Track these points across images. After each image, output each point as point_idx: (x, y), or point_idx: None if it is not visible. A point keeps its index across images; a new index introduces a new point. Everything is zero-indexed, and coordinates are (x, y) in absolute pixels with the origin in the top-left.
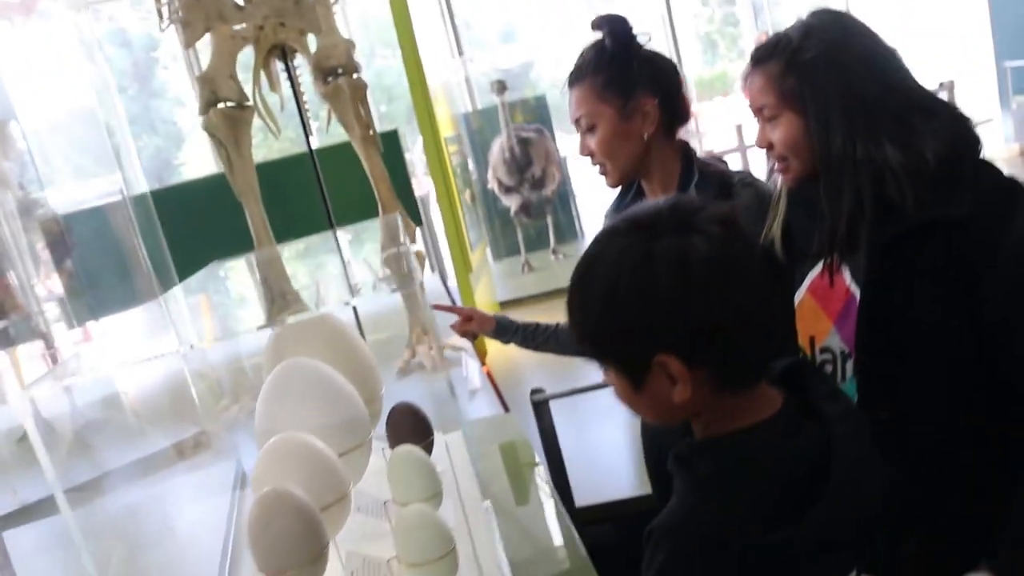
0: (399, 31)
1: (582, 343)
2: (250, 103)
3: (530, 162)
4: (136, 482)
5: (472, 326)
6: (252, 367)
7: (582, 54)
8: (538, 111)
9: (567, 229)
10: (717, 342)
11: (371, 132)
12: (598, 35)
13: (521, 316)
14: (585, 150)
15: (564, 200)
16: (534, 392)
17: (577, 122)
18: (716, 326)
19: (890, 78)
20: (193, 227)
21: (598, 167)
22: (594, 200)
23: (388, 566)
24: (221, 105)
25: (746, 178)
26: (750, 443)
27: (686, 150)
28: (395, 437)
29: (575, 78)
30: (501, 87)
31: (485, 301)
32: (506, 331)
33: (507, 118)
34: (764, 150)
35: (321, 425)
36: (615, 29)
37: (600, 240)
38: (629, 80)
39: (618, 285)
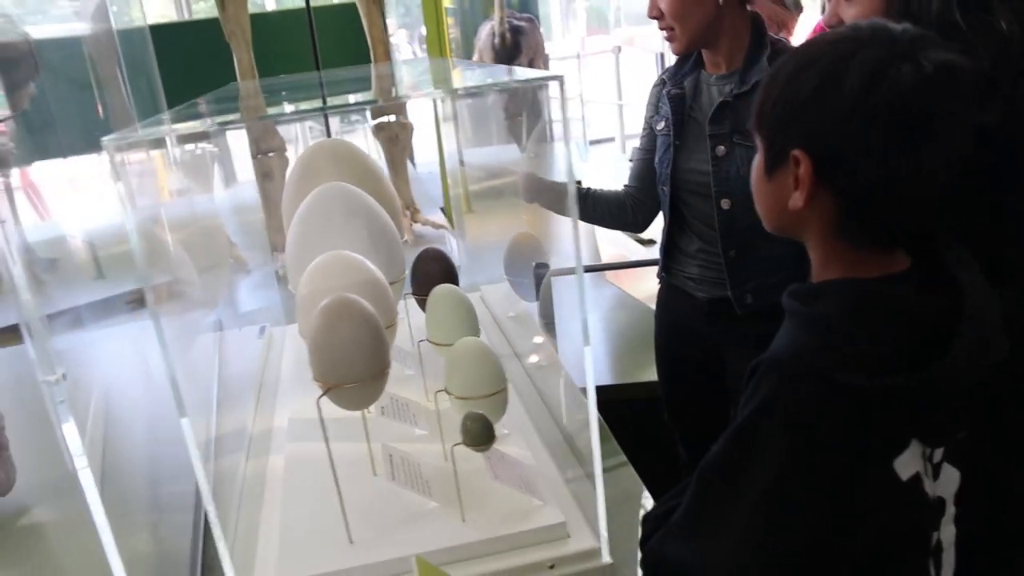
0: None
1: (753, 111)
2: None
3: (519, 51)
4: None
5: None
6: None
7: None
8: (527, 2)
9: None
10: (859, 173)
11: None
12: None
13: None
14: (654, 11)
15: None
16: (538, 266)
17: None
18: (868, 153)
19: None
20: (187, 68)
21: (665, 31)
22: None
23: (434, 398)
24: None
25: None
26: (877, 290)
27: (757, 20)
28: (423, 283)
29: None
30: None
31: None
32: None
33: (502, 2)
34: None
35: (365, 252)
36: None
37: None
38: None
39: (808, 67)
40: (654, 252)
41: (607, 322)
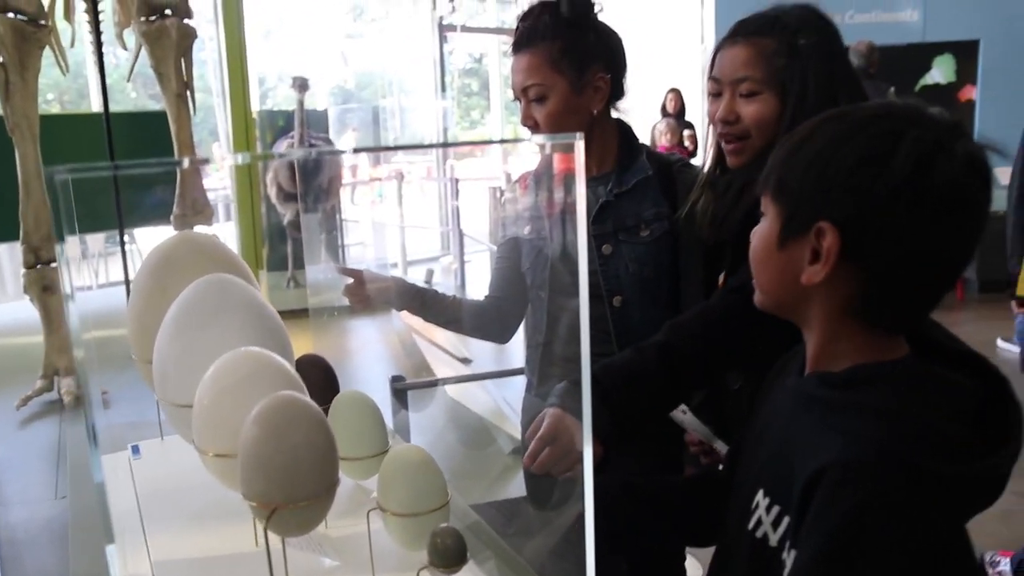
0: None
1: (769, 177)
2: (47, 24)
3: (320, 170)
4: None
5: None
6: None
7: (530, 16)
8: (321, 123)
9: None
10: (894, 255)
11: (188, 91)
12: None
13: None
14: (529, 120)
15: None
16: (395, 379)
17: (524, 91)
18: (909, 236)
19: (857, 75)
20: None
21: None
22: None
23: (367, 517)
24: (11, 15)
25: (683, 160)
26: (926, 371)
27: (623, 127)
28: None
29: (525, 42)
30: (303, 85)
31: None
32: (405, 295)
33: (303, 118)
34: (720, 124)
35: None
36: None
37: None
38: (586, 52)
39: (848, 139)
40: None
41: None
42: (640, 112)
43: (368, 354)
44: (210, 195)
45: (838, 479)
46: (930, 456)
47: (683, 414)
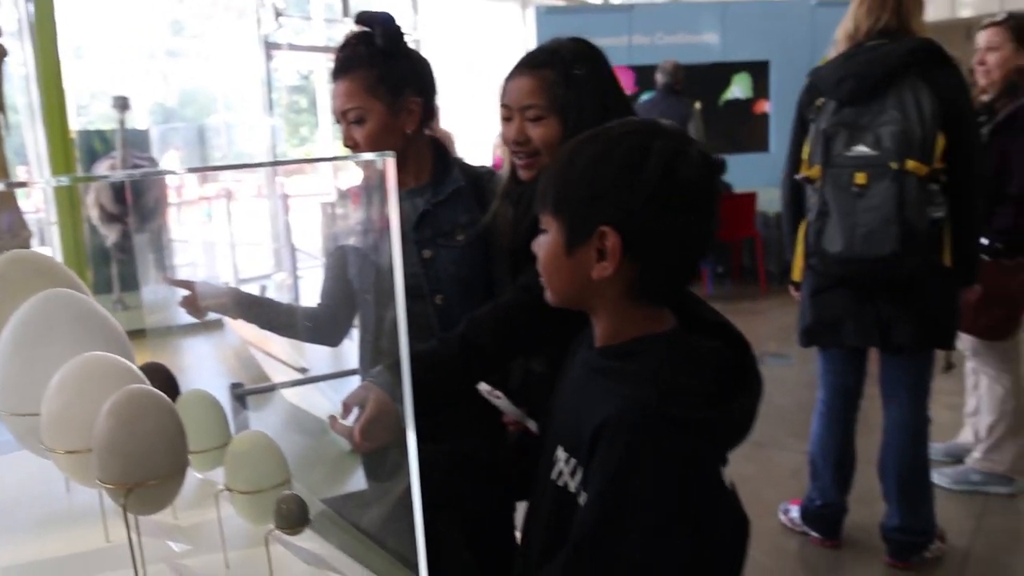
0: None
1: (545, 196)
2: None
3: (145, 190)
4: None
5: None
6: None
7: (348, 45)
8: (143, 143)
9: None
10: (661, 243)
11: (1, 112)
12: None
13: None
14: (350, 140)
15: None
16: (234, 386)
17: (344, 113)
18: (670, 227)
19: (625, 99)
20: None
21: None
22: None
23: (215, 499)
24: None
25: (490, 171)
26: (683, 340)
27: (436, 144)
28: None
29: (344, 69)
30: (123, 104)
31: None
32: (241, 303)
33: (125, 137)
34: (513, 144)
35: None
36: (387, 27)
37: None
38: (399, 78)
39: (606, 155)
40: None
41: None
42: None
43: (206, 369)
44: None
45: (612, 431)
46: (681, 406)
47: (498, 399)
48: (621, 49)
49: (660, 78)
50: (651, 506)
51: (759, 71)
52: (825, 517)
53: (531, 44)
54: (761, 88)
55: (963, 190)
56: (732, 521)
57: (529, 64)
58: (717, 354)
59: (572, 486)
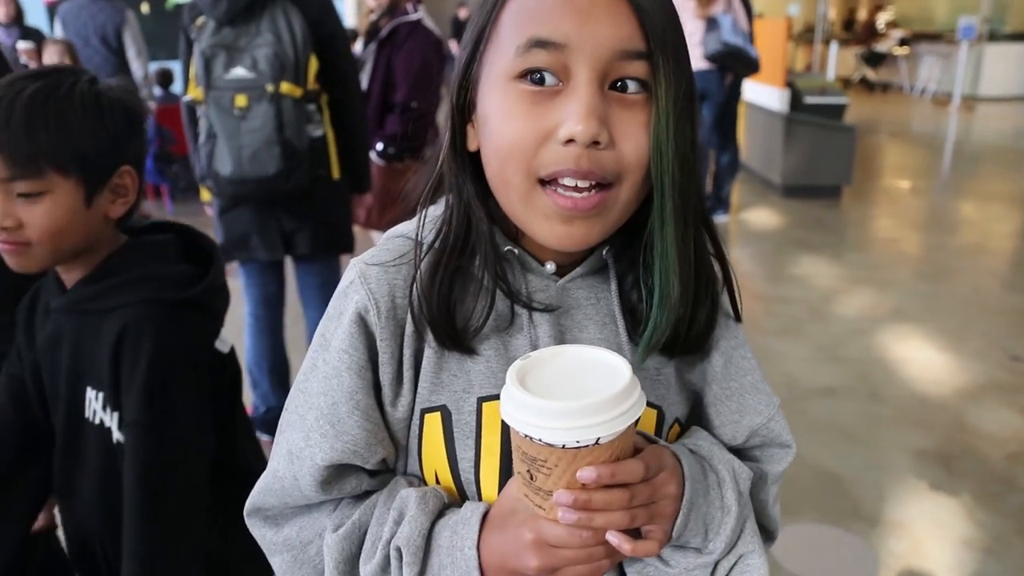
0: None
1: (33, 159)
2: None
3: None
4: None
5: None
6: None
7: None
8: None
9: None
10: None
11: None
12: None
13: None
14: None
15: None
16: None
17: None
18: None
19: None
20: None
21: None
22: None
23: None
24: None
25: None
26: (143, 243)
27: None
28: None
29: None
30: None
31: None
32: None
33: None
34: None
35: None
36: None
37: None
38: None
39: (100, 99)
40: None
41: None
42: None
43: None
44: None
45: (134, 333)
46: (175, 289)
47: None
48: None
49: None
50: (187, 381)
51: None
52: (272, 423)
53: None
54: None
55: (346, 108)
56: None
57: None
58: (174, 242)
59: (108, 420)
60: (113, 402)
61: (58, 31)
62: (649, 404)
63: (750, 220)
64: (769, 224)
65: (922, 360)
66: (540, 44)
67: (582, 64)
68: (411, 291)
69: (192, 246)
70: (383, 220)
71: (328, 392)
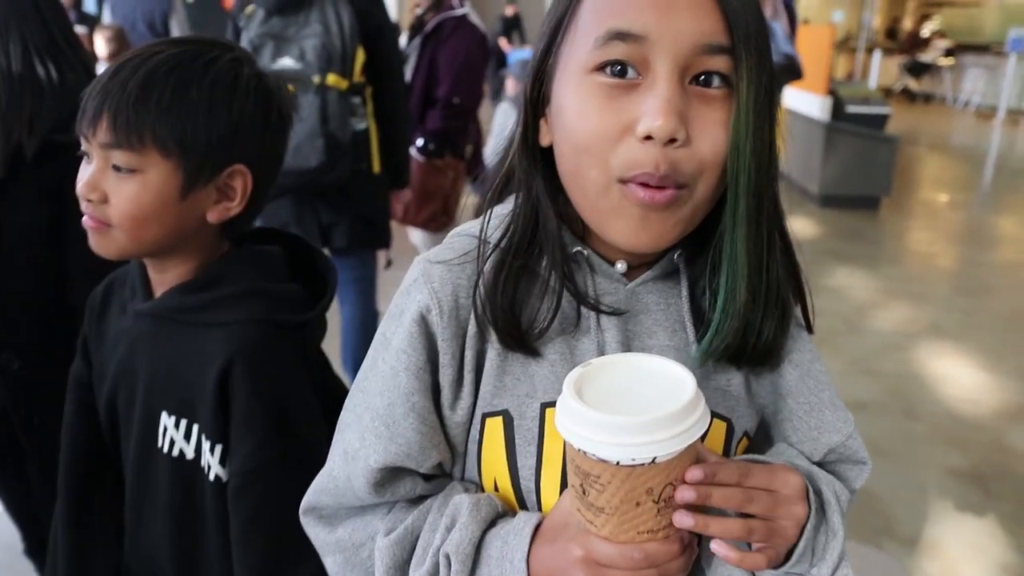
0: None
1: (137, 129)
2: None
3: None
4: None
5: None
6: None
7: None
8: None
9: None
10: (273, 174)
11: None
12: None
13: None
14: None
15: None
16: None
17: None
18: (280, 157)
19: None
20: None
21: None
22: None
23: None
24: None
25: None
26: (252, 251)
27: None
28: None
29: None
30: None
31: None
32: None
33: None
34: None
35: None
36: None
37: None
38: None
39: (237, 83)
40: None
41: None
42: None
43: None
44: None
45: (246, 361)
46: (287, 312)
47: None
48: None
49: None
50: (311, 408)
51: None
52: None
53: None
54: None
55: (389, 102)
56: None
57: None
58: (284, 256)
59: (189, 452)
60: (215, 434)
61: (107, 17)
62: (718, 416)
63: None
64: (805, 233)
65: (959, 377)
66: (619, 36)
67: (662, 57)
68: (475, 290)
69: (297, 260)
70: (420, 216)
71: (385, 392)
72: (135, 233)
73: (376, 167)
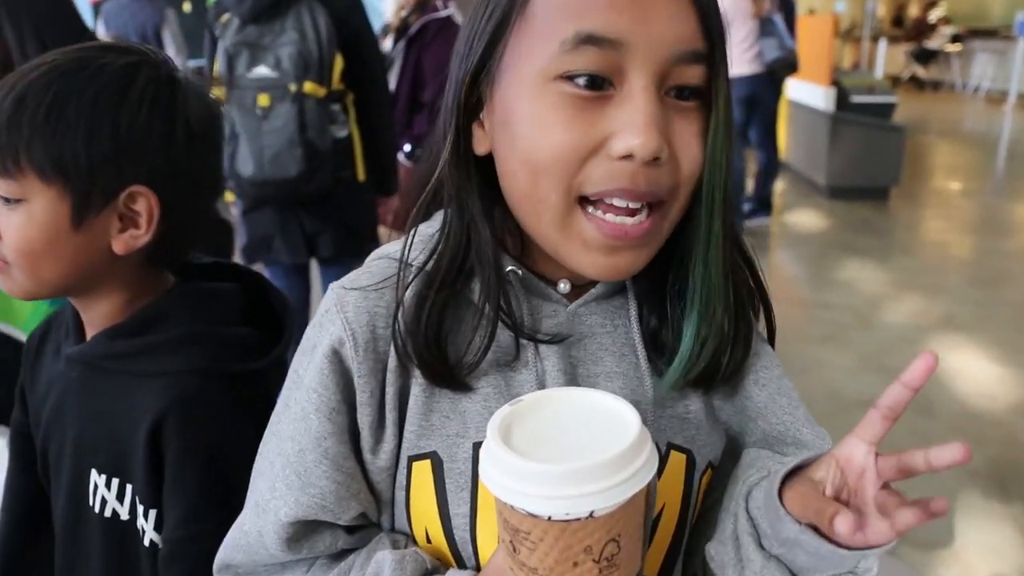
0: None
1: (17, 151)
2: None
3: None
4: None
5: None
6: None
7: None
8: None
9: None
10: (192, 196)
11: None
12: None
13: None
14: None
15: None
16: None
17: None
18: (199, 177)
19: None
20: None
21: None
22: None
23: None
24: None
25: None
26: (197, 290)
27: None
28: None
29: None
30: None
31: None
32: None
33: None
34: None
35: None
36: None
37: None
38: None
39: (128, 91)
40: None
41: None
42: None
43: None
44: None
45: (180, 417)
46: (235, 361)
47: None
48: None
49: None
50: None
51: None
52: None
53: None
54: None
55: (371, 108)
56: None
57: None
58: (238, 295)
59: (124, 512)
60: (148, 498)
61: (100, 30)
62: (676, 448)
63: (793, 222)
64: (813, 226)
65: (975, 371)
66: (591, 40)
67: (639, 66)
68: (394, 320)
69: (254, 300)
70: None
71: (295, 437)
72: (31, 270)
73: (361, 175)
